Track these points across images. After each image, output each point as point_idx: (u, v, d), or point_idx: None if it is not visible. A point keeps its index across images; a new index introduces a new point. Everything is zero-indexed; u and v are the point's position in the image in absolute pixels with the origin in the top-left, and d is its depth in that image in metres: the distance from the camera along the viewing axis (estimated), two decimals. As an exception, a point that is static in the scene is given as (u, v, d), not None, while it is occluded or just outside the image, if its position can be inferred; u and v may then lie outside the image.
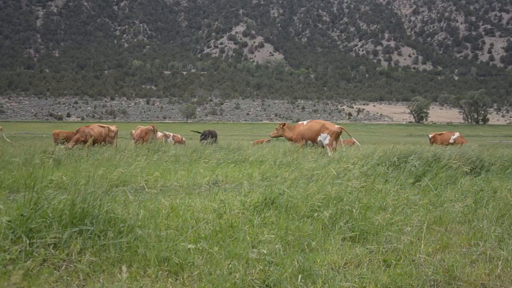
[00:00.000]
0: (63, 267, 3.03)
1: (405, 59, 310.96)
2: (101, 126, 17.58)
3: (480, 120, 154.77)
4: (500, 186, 6.62)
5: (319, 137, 13.83)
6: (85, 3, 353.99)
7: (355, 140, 15.92)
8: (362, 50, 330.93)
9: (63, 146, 15.05)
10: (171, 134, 23.94)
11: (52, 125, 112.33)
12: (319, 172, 6.41)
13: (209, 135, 20.73)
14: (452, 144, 19.37)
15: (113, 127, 18.18)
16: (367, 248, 3.73)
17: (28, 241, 3.08)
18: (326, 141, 13.58)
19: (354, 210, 4.40)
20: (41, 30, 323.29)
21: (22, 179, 6.53)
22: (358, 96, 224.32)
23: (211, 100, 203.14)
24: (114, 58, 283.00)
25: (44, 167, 7.64)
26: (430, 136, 22.68)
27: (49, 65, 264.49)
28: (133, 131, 21.03)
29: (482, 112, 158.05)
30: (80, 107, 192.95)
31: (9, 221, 3.22)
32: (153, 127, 19.48)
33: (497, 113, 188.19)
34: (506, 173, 8.39)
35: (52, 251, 3.09)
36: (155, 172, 7.03)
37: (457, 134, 21.66)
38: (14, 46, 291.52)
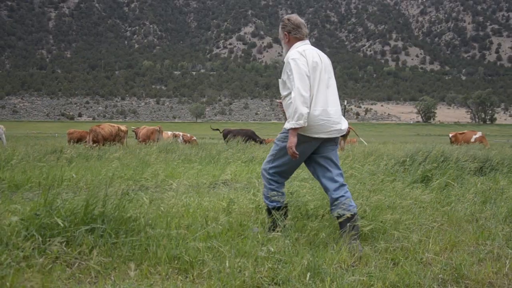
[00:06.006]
0: (76, 264, 3.07)
1: (412, 59, 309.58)
2: (111, 126, 17.73)
3: (488, 120, 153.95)
4: (507, 186, 6.60)
5: (327, 136, 13.83)
6: (96, 5, 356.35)
7: (362, 139, 15.87)
8: (370, 50, 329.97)
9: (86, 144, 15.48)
10: (181, 133, 24.09)
11: (64, 124, 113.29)
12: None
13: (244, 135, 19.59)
14: (473, 143, 18.77)
15: (123, 127, 18.32)
16: (375, 247, 3.75)
17: (41, 239, 3.13)
18: (335, 141, 13.58)
19: (367, 208, 4.43)
20: (53, 31, 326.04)
21: (35, 178, 6.61)
22: (365, 96, 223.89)
23: (220, 100, 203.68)
24: (124, 58, 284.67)
25: (57, 166, 7.73)
26: (451, 135, 21.95)
27: (61, 66, 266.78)
28: (134, 128, 21.17)
29: (490, 111, 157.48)
30: (91, 107, 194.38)
31: (22, 219, 3.27)
32: (159, 127, 19.75)
33: (504, 113, 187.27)
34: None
35: (65, 248, 3.13)
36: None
37: (479, 134, 20.87)
38: (27, 47, 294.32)
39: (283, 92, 4.04)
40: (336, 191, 3.97)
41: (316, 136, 3.94)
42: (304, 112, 3.78)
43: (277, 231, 3.80)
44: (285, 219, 4.02)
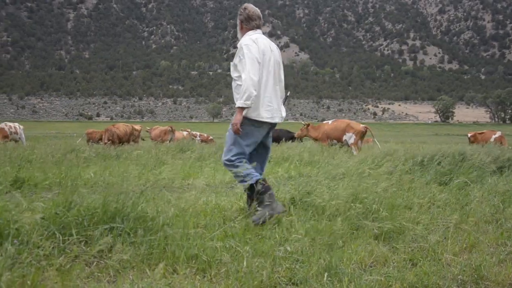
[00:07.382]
0: (94, 263, 3.10)
1: (430, 59, 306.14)
2: (126, 125, 17.94)
3: (507, 119, 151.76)
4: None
5: (344, 136, 13.76)
6: (114, 6, 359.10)
7: (376, 141, 15.65)
8: (387, 50, 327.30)
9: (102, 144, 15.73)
10: (198, 133, 24.21)
11: (82, 124, 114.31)
12: (346, 172, 6.41)
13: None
14: (493, 143, 18.45)
15: (137, 126, 18.50)
16: (393, 247, 3.73)
17: (61, 238, 3.17)
18: (351, 141, 13.51)
19: (381, 209, 4.40)
20: (72, 32, 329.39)
21: (55, 178, 6.67)
22: (383, 95, 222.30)
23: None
24: (142, 59, 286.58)
25: (76, 165, 7.80)
26: (470, 135, 21.55)
27: (80, 66, 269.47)
28: (149, 129, 21.35)
29: (509, 111, 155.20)
30: (109, 107, 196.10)
31: (43, 218, 3.31)
32: (171, 127, 19.95)
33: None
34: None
35: (84, 247, 3.16)
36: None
37: (498, 133, 20.49)
38: (46, 48, 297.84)
39: (234, 75, 4.41)
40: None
41: (266, 121, 4.40)
42: (252, 94, 4.18)
43: (256, 206, 4.14)
44: (266, 193, 4.24)
